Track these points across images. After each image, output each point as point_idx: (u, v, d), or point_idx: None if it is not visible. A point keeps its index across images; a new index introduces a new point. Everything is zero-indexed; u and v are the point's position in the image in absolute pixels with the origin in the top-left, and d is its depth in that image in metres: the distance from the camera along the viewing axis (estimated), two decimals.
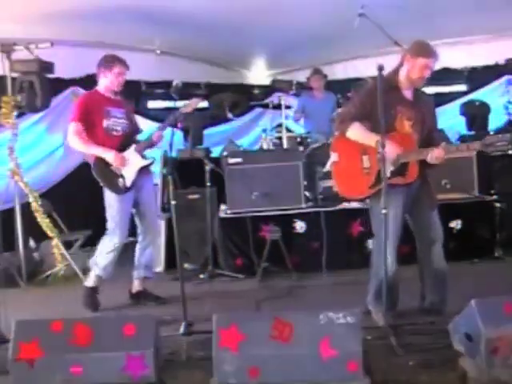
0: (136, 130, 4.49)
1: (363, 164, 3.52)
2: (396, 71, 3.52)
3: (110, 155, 4.14)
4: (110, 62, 4.24)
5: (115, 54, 4.34)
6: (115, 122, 4.27)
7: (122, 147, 4.23)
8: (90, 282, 4.30)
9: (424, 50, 3.46)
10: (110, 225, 4.23)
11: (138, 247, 4.43)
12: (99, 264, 4.25)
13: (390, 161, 3.34)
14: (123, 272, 5.68)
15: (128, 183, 4.20)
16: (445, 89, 7.57)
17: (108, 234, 4.25)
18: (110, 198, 4.20)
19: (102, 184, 4.17)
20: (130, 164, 4.21)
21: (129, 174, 4.20)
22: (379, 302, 3.36)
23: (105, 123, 4.21)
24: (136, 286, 4.44)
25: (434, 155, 3.29)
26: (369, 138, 3.39)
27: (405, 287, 3.64)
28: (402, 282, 3.60)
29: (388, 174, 3.32)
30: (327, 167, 5.10)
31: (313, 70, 6.93)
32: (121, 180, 4.18)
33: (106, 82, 4.27)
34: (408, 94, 3.55)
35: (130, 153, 4.24)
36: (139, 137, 4.47)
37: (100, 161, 4.16)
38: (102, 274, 4.26)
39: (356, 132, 3.47)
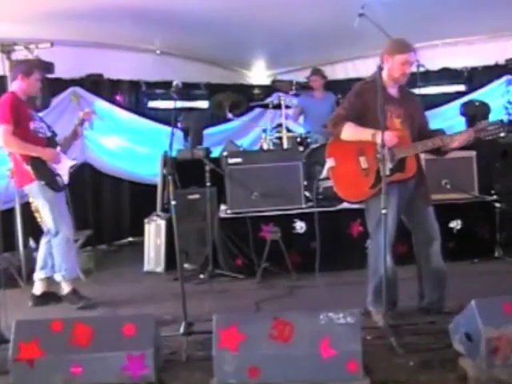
0: (54, 132, 4.54)
1: (361, 165, 3.51)
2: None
3: (46, 153, 4.24)
4: (30, 67, 4.38)
5: (34, 60, 4.46)
6: (38, 124, 4.37)
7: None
8: (65, 289, 4.37)
9: (400, 47, 3.48)
10: (53, 225, 4.27)
11: (45, 247, 4.42)
12: (66, 268, 4.31)
13: (389, 154, 3.35)
14: (122, 272, 5.73)
15: (65, 180, 4.38)
16: (445, 89, 7.58)
17: (55, 234, 4.29)
18: (51, 197, 4.25)
19: (43, 182, 4.20)
20: (62, 163, 4.38)
21: (63, 172, 4.38)
22: (379, 302, 3.36)
23: (31, 125, 4.28)
24: (42, 286, 4.44)
25: (462, 138, 3.41)
26: (364, 133, 3.40)
27: (403, 287, 3.64)
28: (401, 282, 3.60)
29: (387, 172, 3.33)
30: (324, 174, 5.07)
31: (312, 69, 6.94)
32: (58, 178, 4.32)
33: (25, 87, 4.32)
34: (394, 92, 3.58)
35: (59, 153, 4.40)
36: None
37: (37, 160, 4.21)
38: (71, 275, 4.38)
39: (350, 131, 3.47)
